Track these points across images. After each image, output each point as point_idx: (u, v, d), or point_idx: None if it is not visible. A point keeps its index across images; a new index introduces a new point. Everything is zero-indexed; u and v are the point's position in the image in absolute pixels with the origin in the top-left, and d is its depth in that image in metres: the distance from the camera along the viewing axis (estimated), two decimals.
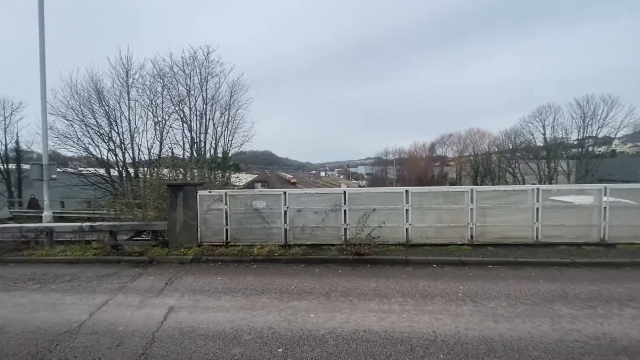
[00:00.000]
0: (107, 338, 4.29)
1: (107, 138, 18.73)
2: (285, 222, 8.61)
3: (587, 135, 34.37)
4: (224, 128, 20.59)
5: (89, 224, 9.34)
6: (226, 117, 20.55)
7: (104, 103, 18.55)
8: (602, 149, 36.37)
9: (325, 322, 4.61)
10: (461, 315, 4.73)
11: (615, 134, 35.40)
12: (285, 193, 8.70)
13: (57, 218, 13.83)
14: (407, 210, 8.50)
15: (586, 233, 8.31)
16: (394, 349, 3.89)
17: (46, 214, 10.58)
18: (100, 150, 18.87)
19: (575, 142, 36.10)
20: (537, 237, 8.32)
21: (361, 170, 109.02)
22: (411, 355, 3.76)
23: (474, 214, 8.41)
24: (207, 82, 19.77)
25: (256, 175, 51.23)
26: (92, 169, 19.12)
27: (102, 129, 18.64)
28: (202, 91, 19.75)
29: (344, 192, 8.67)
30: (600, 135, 34.46)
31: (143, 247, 8.68)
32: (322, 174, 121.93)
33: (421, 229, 8.53)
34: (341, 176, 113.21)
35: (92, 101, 18.39)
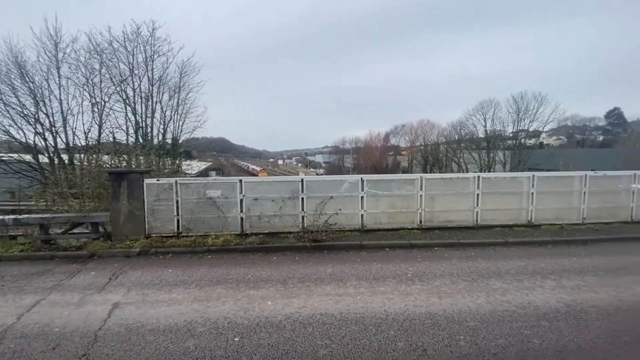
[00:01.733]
0: (41, 341, 3.89)
1: (33, 120, 16.49)
2: (241, 211, 8.41)
3: (520, 128, 38.20)
4: (173, 112, 19.26)
5: (12, 216, 8.24)
6: (176, 101, 19.22)
7: (27, 79, 16.23)
8: (532, 141, 40.81)
9: (283, 308, 4.65)
10: (410, 294, 5.07)
11: (543, 128, 39.78)
12: (241, 181, 8.46)
13: None
14: (362, 197, 8.78)
15: (517, 216, 9.32)
16: (348, 330, 4.06)
17: None
18: (24, 133, 16.58)
19: (511, 135, 39.93)
20: (477, 220, 9.14)
21: (319, 158, 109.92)
22: (364, 334, 3.96)
23: (423, 200, 8.96)
24: (152, 61, 18.21)
25: (210, 163, 49.11)
26: (15, 155, 16.78)
27: (27, 109, 16.34)
28: (147, 71, 18.18)
29: (302, 180, 8.68)
30: (531, 129, 38.48)
31: (81, 240, 7.93)
32: (280, 162, 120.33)
33: (375, 215, 8.89)
34: (299, 164, 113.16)
35: (12, 77, 16.00)
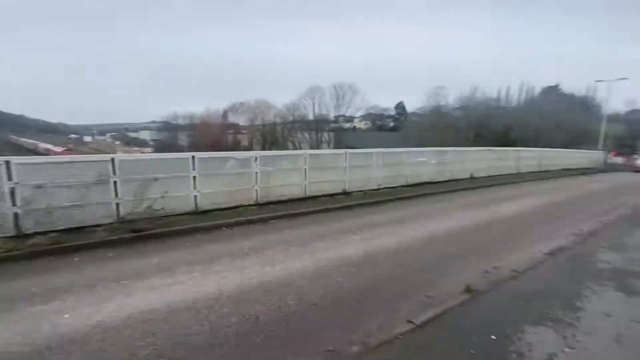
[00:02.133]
0: None
1: None
2: (13, 205, 6.07)
3: (340, 113, 45.38)
4: None
5: None
6: None
7: None
8: (349, 125, 49.38)
9: (88, 318, 3.73)
10: (245, 268, 5.14)
11: (355, 114, 48.79)
12: (7, 162, 6.01)
13: None
14: (194, 177, 8.11)
15: (337, 186, 11.07)
16: (177, 319, 3.72)
17: None
18: None
19: (333, 119, 46.89)
20: (306, 192, 10.24)
21: (145, 135, 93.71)
22: (196, 319, 3.74)
23: (259, 177, 9.20)
24: None
25: None
26: None
27: None
28: None
29: (112, 159, 7.08)
30: (347, 115, 46.44)
31: None
32: (88, 138, 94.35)
33: (211, 195, 8.44)
34: (117, 142, 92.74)
35: None
